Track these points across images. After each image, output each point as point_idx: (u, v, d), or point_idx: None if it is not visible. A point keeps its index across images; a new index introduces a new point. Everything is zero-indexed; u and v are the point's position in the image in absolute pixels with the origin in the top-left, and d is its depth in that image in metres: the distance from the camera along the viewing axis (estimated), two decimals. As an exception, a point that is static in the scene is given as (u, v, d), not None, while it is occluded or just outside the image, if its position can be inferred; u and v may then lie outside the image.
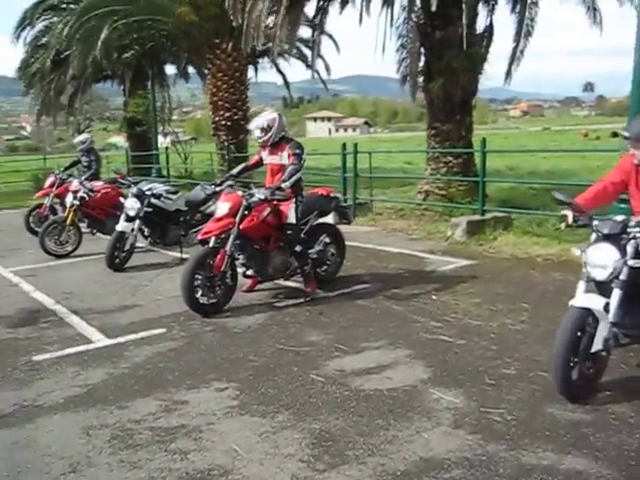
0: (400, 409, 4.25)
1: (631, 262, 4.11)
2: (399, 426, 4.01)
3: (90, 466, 3.75)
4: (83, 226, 10.80)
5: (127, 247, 9.08)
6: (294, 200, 6.91)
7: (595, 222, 4.38)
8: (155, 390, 4.80)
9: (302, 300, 6.96)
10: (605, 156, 17.10)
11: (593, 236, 4.42)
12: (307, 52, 22.40)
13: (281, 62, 23.48)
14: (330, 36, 21.70)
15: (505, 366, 4.88)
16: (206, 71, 20.08)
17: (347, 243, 9.89)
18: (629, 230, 4.23)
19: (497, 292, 6.99)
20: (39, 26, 24.33)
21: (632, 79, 7.61)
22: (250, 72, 23.03)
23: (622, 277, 4.14)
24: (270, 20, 13.46)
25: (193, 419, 4.29)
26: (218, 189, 6.98)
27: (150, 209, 9.18)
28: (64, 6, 23.59)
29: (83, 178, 11.46)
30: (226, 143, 18.84)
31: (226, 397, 4.61)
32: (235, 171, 7.31)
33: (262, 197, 6.50)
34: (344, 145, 12.86)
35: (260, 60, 22.27)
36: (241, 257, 6.90)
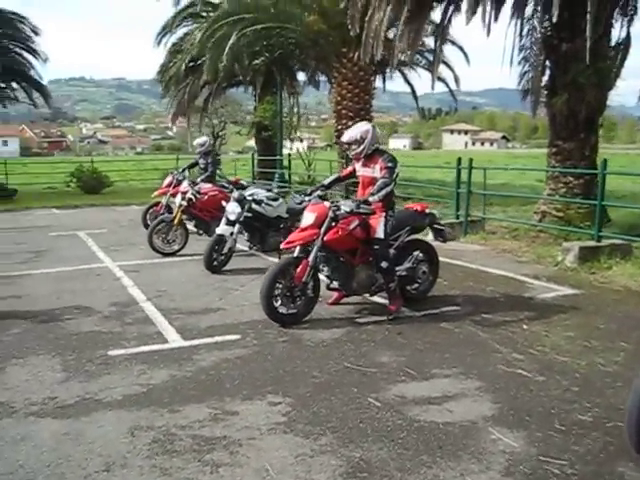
0: (451, 446, 3.94)
1: None
2: (444, 465, 3.72)
3: (123, 467, 3.75)
4: (191, 227, 11.13)
5: (225, 250, 9.20)
6: (384, 214, 6.70)
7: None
8: (210, 397, 4.76)
9: (385, 318, 6.72)
10: None
11: None
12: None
13: (412, 73, 23.25)
14: (461, 48, 21.24)
15: (582, 411, 4.43)
16: (332, 79, 20.16)
17: (449, 261, 9.66)
18: None
19: (596, 326, 6.43)
20: (179, 33, 25.44)
21: None
22: (380, 82, 23.05)
23: None
24: (391, 31, 13.27)
25: (237, 431, 4.20)
26: (307, 199, 6.88)
27: (250, 214, 9.25)
28: (204, 14, 24.46)
29: (199, 180, 11.87)
30: (347, 152, 18.79)
31: (276, 412, 4.49)
32: (327, 181, 7.19)
33: (347, 210, 6.34)
34: (459, 160, 12.43)
35: (388, 70, 22.10)
36: (325, 269, 6.77)
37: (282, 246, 6.73)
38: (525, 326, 6.44)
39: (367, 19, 12.59)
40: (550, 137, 11.93)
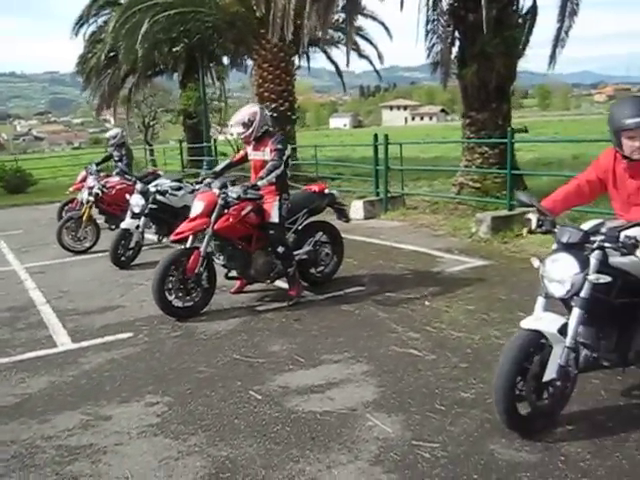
0: (324, 437, 3.78)
1: (591, 277, 3.48)
2: (312, 458, 3.55)
3: (-30, 492, 3.48)
4: (103, 222, 10.75)
5: (132, 244, 8.88)
6: (277, 198, 6.49)
7: (557, 228, 3.77)
8: (86, 403, 4.50)
9: (286, 304, 6.53)
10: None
11: (554, 245, 3.80)
12: (360, 41, 21.83)
13: (340, 50, 22.90)
14: (382, 23, 21.06)
15: (465, 389, 4.32)
16: (252, 62, 19.79)
17: (365, 240, 9.56)
18: (592, 238, 3.60)
19: (498, 298, 6.37)
20: (99, 22, 24.68)
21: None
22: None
23: (583, 294, 3.52)
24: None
25: (105, 438, 3.96)
26: (197, 187, 6.62)
27: (155, 206, 8.93)
28: (122, 1, 23.74)
29: (114, 172, 11.51)
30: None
31: (151, 414, 4.26)
32: (219, 168, 6.93)
33: (234, 196, 6.10)
34: (376, 136, 12.28)
35: (312, 49, 21.83)
36: (221, 258, 6.54)
37: (171, 238, 6.47)
38: (427, 302, 6.34)
39: (273, -2, 12.28)
40: (464, 108, 11.87)
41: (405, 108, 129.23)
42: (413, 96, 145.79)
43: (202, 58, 20.85)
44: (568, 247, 3.60)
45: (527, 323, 3.57)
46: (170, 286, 6.19)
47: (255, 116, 6.45)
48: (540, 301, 3.74)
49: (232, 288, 7.04)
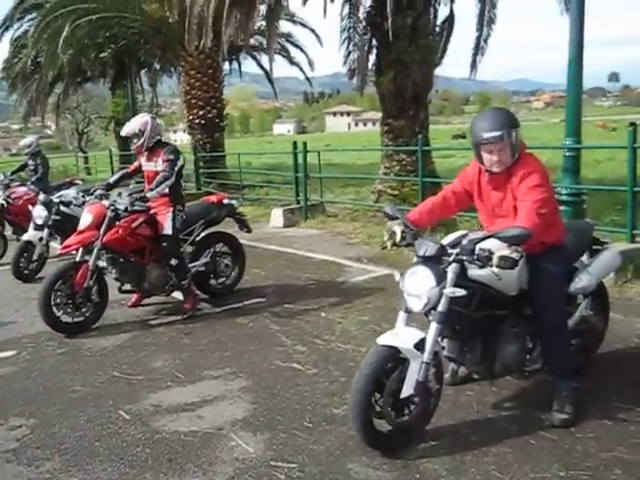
0: (182, 459, 3.67)
1: (447, 291, 3.46)
2: (164, 483, 3.43)
3: None
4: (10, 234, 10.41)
5: (36, 257, 8.59)
6: (171, 210, 6.35)
7: (417, 241, 3.74)
8: (-54, 429, 4.28)
9: (180, 317, 6.39)
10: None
11: (415, 259, 3.77)
12: (290, 47, 21.82)
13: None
14: (312, 30, 21.06)
15: (338, 404, 4.25)
16: (179, 69, 19.55)
17: (278, 249, 9.49)
18: (450, 251, 3.58)
19: (393, 308, 6.27)
20: (25, 26, 23.99)
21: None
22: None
23: (440, 308, 3.49)
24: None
25: (-45, 468, 3.76)
26: (88, 199, 6.43)
27: (59, 217, 8.66)
28: (48, 6, 23.17)
29: (29, 182, 11.20)
30: (201, 142, 18.35)
31: (11, 438, 4.08)
32: (112, 179, 6.74)
33: (121, 208, 5.95)
34: (295, 144, 12.23)
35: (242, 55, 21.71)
36: (113, 271, 6.37)
37: (58, 252, 6.27)
38: (323, 314, 6.28)
39: (189, 4, 12.11)
40: (382, 116, 11.89)
41: (348, 114, 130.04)
42: (357, 102, 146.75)
43: (130, 64, 20.50)
44: (426, 260, 3.58)
45: (383, 339, 3.53)
46: (58, 301, 5.99)
47: (146, 126, 6.30)
48: (401, 316, 3.71)
49: (129, 301, 6.86)
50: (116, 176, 6.80)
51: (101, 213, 6.06)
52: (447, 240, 3.80)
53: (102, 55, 20.72)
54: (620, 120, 52.31)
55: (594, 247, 4.51)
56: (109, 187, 6.51)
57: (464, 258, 3.49)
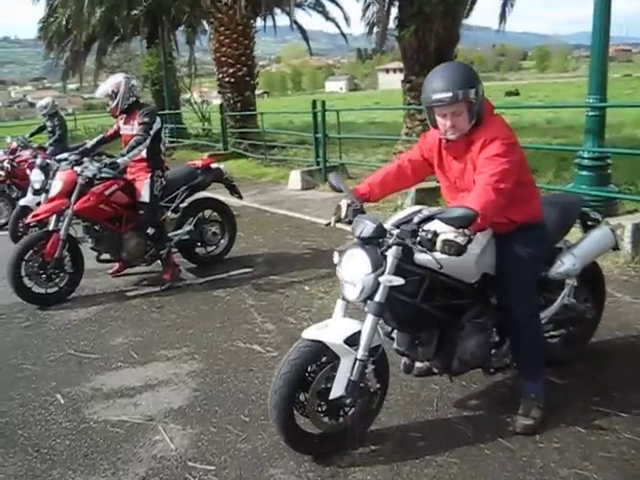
0: (98, 454, 3.35)
1: (383, 279, 2.99)
2: (67, 483, 3.12)
3: None
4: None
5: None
6: (149, 175, 6.00)
7: (355, 219, 3.27)
8: None
9: (158, 289, 6.09)
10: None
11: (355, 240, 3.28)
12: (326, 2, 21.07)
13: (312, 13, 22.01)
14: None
15: (287, 392, 3.86)
16: (209, 26, 19.04)
17: (286, 214, 9.09)
18: (393, 232, 3.09)
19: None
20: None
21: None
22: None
23: (377, 298, 3.02)
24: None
25: None
26: (65, 164, 6.10)
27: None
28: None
29: (48, 144, 11.07)
30: (232, 101, 17.92)
31: (-63, 423, 3.83)
32: (90, 144, 6.37)
33: (89, 175, 5.63)
34: (314, 103, 11.69)
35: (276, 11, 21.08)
36: (89, 241, 6.08)
37: (27, 220, 6.01)
38: (307, 287, 5.89)
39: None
40: (405, 72, 11.26)
41: (401, 71, 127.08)
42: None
43: (162, 21, 20.10)
44: (365, 242, 3.11)
45: (309, 332, 3.09)
46: (29, 272, 5.73)
47: (119, 87, 5.93)
48: (339, 304, 3.25)
49: (111, 270, 6.58)
50: (94, 140, 6.44)
51: (71, 180, 5.75)
52: (396, 217, 3.28)
53: (134, 12, 20.31)
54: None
55: (589, 223, 3.97)
56: (85, 153, 6.16)
57: (405, 241, 3.00)
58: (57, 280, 5.88)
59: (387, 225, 3.16)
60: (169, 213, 6.32)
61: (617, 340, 4.37)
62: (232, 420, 3.60)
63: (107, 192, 5.85)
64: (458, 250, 2.80)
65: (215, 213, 6.78)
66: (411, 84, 10.95)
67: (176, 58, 23.70)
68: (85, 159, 5.93)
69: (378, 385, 3.18)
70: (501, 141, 3.06)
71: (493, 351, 3.47)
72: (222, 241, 6.82)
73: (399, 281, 2.95)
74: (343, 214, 3.36)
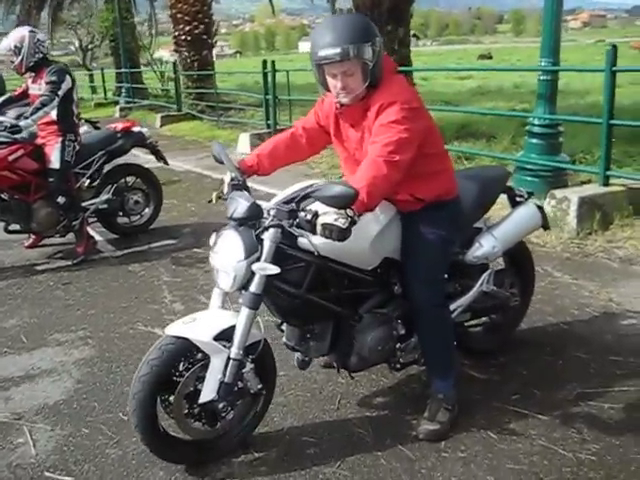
0: (-56, 463, 2.94)
1: (256, 266, 2.57)
2: None
3: None
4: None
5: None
6: (60, 140, 5.50)
7: (230, 195, 2.84)
8: None
9: (70, 262, 5.64)
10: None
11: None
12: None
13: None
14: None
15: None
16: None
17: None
18: (270, 212, 2.67)
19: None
20: None
21: None
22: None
23: (252, 289, 2.61)
24: None
25: None
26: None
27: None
28: None
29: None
30: (188, 60, 17.22)
31: None
32: (-6, 104, 5.86)
33: (-19, 139, 5.13)
34: (264, 63, 11.14)
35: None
36: (-6, 211, 5.60)
37: None
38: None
39: None
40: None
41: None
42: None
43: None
44: (239, 223, 2.69)
45: (172, 328, 2.69)
46: None
47: (23, 41, 5.38)
48: (215, 293, 2.84)
49: (26, 242, 6.11)
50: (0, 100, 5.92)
51: (-32, 144, 5.24)
52: (284, 194, 2.85)
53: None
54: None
55: (517, 199, 3.59)
56: None
57: (282, 223, 2.59)
58: (-43, 253, 5.40)
59: (268, 204, 2.73)
60: (85, 180, 5.83)
61: (549, 327, 4.04)
62: (108, 419, 3.20)
63: (11, 158, 5.34)
64: (340, 234, 2.39)
65: (139, 180, 6.31)
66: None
67: (135, 15, 22.70)
68: None
69: (260, 386, 2.79)
70: (400, 105, 2.62)
71: (399, 345, 3.10)
72: (146, 210, 6.36)
73: (274, 270, 2.54)
74: (225, 189, 2.92)
